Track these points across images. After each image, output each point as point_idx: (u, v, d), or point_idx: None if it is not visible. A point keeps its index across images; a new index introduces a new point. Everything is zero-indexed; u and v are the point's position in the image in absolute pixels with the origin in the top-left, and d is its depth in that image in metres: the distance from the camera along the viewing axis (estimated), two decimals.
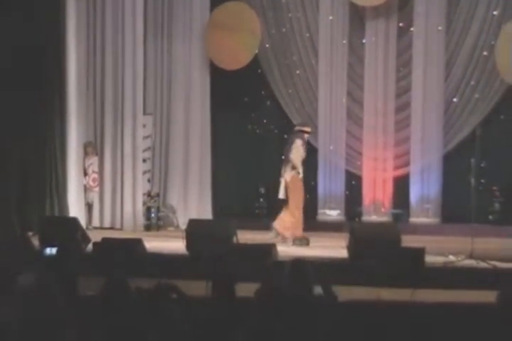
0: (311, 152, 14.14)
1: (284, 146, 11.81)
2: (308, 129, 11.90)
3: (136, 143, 13.85)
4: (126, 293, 4.45)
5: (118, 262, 8.64)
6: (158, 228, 13.76)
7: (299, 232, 11.11)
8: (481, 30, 13.39)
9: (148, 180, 14.23)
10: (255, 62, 14.20)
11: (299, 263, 4.51)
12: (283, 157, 11.73)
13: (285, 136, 14.59)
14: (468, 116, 13.49)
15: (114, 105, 13.92)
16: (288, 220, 11.12)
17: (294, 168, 11.24)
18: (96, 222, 13.80)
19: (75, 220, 10.86)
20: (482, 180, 12.24)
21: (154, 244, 10.35)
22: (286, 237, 11.06)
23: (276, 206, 11.75)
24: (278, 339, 3.99)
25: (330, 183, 14.07)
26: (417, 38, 13.70)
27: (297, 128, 11.83)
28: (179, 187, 14.30)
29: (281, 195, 11.34)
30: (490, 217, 12.94)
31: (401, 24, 13.88)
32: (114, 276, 4.63)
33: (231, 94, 14.43)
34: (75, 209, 13.26)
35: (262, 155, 14.62)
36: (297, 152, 11.29)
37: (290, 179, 11.23)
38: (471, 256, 8.73)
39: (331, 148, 14.13)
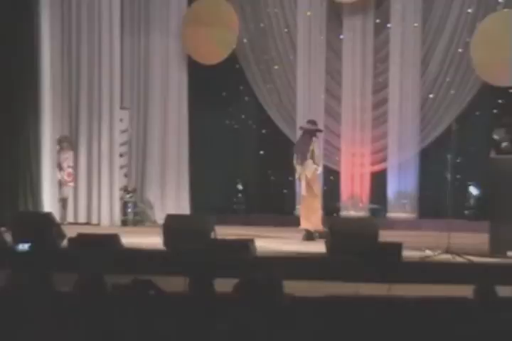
0: (290, 147, 14.18)
1: (298, 145, 11.84)
2: (321, 129, 12.35)
3: (113, 138, 13.81)
4: (102, 289, 4.44)
5: (94, 258, 8.59)
6: (136, 223, 13.72)
7: (320, 226, 11.15)
8: (456, 28, 13.48)
9: (125, 175, 14.18)
10: (233, 57, 14.19)
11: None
12: (295, 155, 11.73)
13: (263, 131, 14.65)
14: (444, 112, 13.57)
15: (91, 100, 13.86)
16: (313, 216, 11.28)
17: (314, 163, 11.46)
18: (71, 218, 13.72)
19: (49, 215, 10.66)
20: (458, 176, 12.31)
21: (131, 239, 10.30)
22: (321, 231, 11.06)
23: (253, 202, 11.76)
24: (257, 334, 4.00)
25: None
26: (393, 35, 13.76)
27: (313, 127, 11.87)
28: (156, 182, 14.26)
29: (303, 192, 11.49)
30: (466, 212, 13.04)
31: (378, 21, 13.94)
32: (89, 272, 4.62)
33: (209, 89, 14.40)
34: (50, 204, 13.19)
35: (240, 150, 14.63)
36: (318, 148, 11.70)
37: (311, 175, 11.44)
38: (447, 251, 8.79)
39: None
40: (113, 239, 9.50)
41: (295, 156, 11.68)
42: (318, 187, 11.68)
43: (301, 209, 11.73)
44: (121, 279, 4.80)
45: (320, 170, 11.72)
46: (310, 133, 11.70)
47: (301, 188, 11.57)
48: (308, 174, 11.42)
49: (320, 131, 12.19)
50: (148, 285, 4.62)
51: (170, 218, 10.19)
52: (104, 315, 4.27)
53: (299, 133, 14.06)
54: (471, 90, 13.44)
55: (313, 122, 12.03)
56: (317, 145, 11.71)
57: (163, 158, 14.34)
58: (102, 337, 4.18)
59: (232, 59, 14.21)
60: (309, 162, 11.43)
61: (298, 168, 11.55)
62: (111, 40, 13.78)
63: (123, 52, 14.14)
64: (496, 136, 9.39)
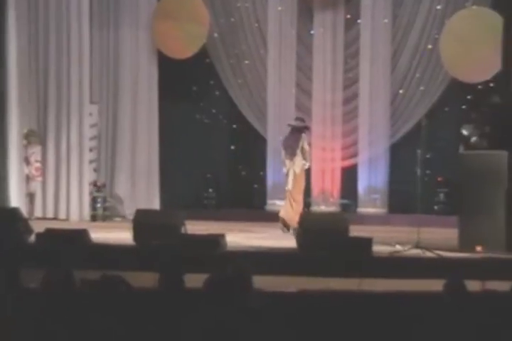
0: (260, 142, 14.19)
1: (287, 141, 11.85)
2: (309, 126, 12.58)
3: (83, 132, 13.71)
4: (71, 285, 4.40)
5: (62, 253, 8.51)
6: (105, 218, 13.64)
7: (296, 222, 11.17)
8: (426, 24, 13.55)
9: (95, 170, 14.09)
10: (204, 51, 14.15)
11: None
12: (284, 151, 11.75)
13: (234, 126, 14.63)
14: (414, 107, 13.64)
15: (59, 94, 13.75)
16: (293, 210, 11.31)
17: (303, 159, 11.63)
18: (39, 213, 13.60)
19: (16, 210, 10.49)
20: (428, 171, 12.37)
21: (100, 234, 10.24)
22: (292, 226, 11.08)
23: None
24: (227, 329, 3.98)
25: (279, 174, 14.07)
26: (364, 30, 13.81)
27: (302, 124, 11.93)
28: (126, 177, 14.19)
29: (289, 186, 11.58)
30: (435, 207, 13.12)
31: (348, 16, 13.98)
32: (58, 268, 4.57)
33: (180, 84, 14.35)
34: (17, 199, 13.09)
35: (211, 145, 14.60)
36: (307, 144, 11.81)
37: (299, 170, 11.60)
38: (417, 246, 8.83)
39: (280, 138, 14.14)
40: (82, 234, 9.42)
41: (284, 152, 11.75)
42: (303, 183, 11.80)
43: (285, 203, 11.74)
44: (90, 275, 4.75)
45: (308, 165, 11.81)
46: (299, 130, 11.77)
47: (288, 183, 11.61)
48: (296, 169, 11.55)
49: (308, 128, 12.30)
50: (118, 281, 4.59)
51: (140, 213, 10.12)
52: (73, 311, 4.23)
53: (269, 127, 14.13)
54: (441, 86, 13.52)
55: (301, 119, 12.16)
56: (306, 142, 11.81)
57: (133, 152, 14.26)
58: (70, 334, 4.14)
59: (203, 53, 14.17)
60: (298, 158, 11.53)
61: (287, 162, 11.63)
62: (80, 34, 13.66)
63: (92, 47, 14.03)
64: (464, 132, 9.44)
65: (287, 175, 11.70)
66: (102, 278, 4.48)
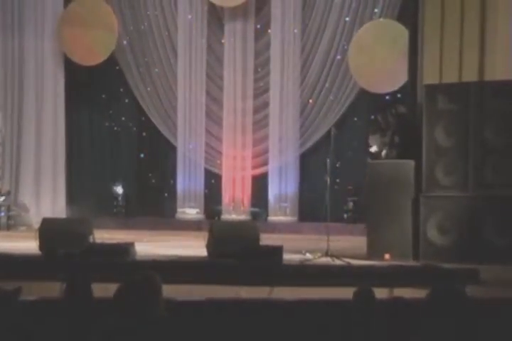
0: (170, 150, 14.12)
1: None
2: None
3: None
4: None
5: None
6: (9, 227, 13.35)
7: None
8: (335, 35, 13.73)
9: None
10: (113, 58, 14.06)
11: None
12: None
13: (143, 134, 14.54)
14: (324, 117, 13.79)
15: None
16: None
17: None
18: None
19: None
20: (337, 180, 12.51)
21: (4, 244, 10.01)
22: None
23: None
24: (135, 339, 3.92)
25: (189, 182, 14.08)
26: (274, 40, 13.93)
27: None
28: (31, 185, 13.97)
29: None
30: (345, 215, 13.26)
31: (258, 26, 14.08)
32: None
33: (88, 91, 14.21)
34: None
35: (120, 153, 14.46)
36: None
37: None
38: (327, 254, 8.90)
39: (191, 146, 14.14)
40: None
41: None
42: None
43: None
44: None
45: None
46: None
47: None
48: None
49: None
50: (15, 292, 4.48)
51: (46, 221, 9.89)
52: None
53: (179, 135, 14.08)
54: (349, 96, 13.70)
55: None
56: None
57: (38, 159, 14.04)
58: None
59: (113, 61, 14.07)
60: None
61: None
62: None
63: None
64: (370, 142, 9.58)
65: None
66: None
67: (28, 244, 9.73)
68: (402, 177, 9.11)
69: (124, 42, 14.22)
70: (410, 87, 9.75)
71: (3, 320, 4.16)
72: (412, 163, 9.08)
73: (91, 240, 9.47)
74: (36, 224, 11.24)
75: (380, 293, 5.11)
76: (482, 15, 9.17)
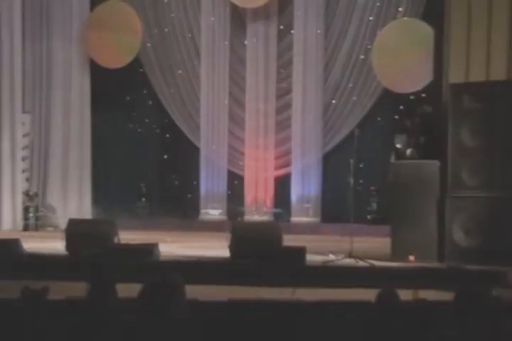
0: (194, 152, 14.16)
1: None
2: None
3: (15, 142, 13.65)
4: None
5: None
6: (37, 228, 13.51)
7: None
8: (358, 34, 13.68)
9: (27, 179, 13.97)
10: (137, 61, 14.14)
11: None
12: None
13: (167, 136, 14.59)
14: (347, 117, 13.75)
15: None
16: None
17: None
18: None
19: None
20: (360, 181, 12.48)
21: (33, 244, 10.09)
22: None
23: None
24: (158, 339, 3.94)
25: (212, 183, 14.12)
26: (296, 41, 13.90)
27: None
28: (59, 187, 14.11)
29: None
30: (368, 216, 13.22)
31: (281, 26, 14.06)
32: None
33: (113, 93, 14.29)
34: None
35: (144, 154, 14.53)
36: None
37: None
38: (350, 255, 8.87)
39: (213, 148, 14.17)
40: (14, 244, 9.27)
41: None
42: None
43: None
44: (20, 285, 4.67)
45: None
46: None
47: None
48: None
49: None
50: (43, 292, 4.52)
51: (72, 222, 10.00)
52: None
53: (202, 137, 14.13)
54: (373, 96, 13.66)
55: None
56: None
57: (65, 162, 14.17)
58: None
59: (136, 63, 14.15)
60: None
61: None
62: (11, 45, 13.63)
63: (25, 57, 14.02)
64: (397, 143, 9.52)
65: None
66: (23, 290, 4.41)
67: (55, 245, 9.83)
68: (427, 177, 9.04)
69: (148, 44, 14.29)
70: (435, 86, 9.68)
71: (32, 319, 4.20)
72: (437, 163, 9.01)
73: (116, 241, 9.54)
74: (63, 224, 11.34)
75: (405, 294, 5.10)
76: (510, 13, 9.05)
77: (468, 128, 8.82)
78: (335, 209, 13.01)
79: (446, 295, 4.33)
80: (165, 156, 14.67)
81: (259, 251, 8.42)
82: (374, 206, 13.24)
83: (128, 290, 4.59)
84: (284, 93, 14.12)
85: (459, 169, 8.86)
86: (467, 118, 8.82)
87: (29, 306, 4.38)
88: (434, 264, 8.68)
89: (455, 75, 9.12)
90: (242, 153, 14.12)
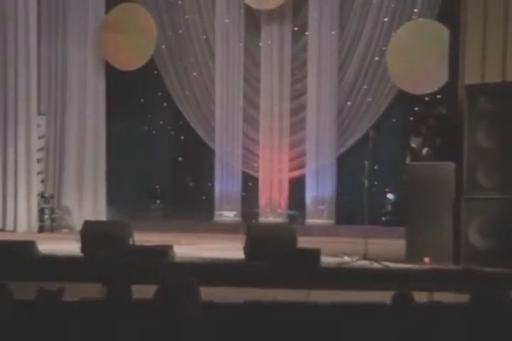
0: (208, 154, 14.18)
1: None
2: None
3: (30, 144, 13.70)
4: (7, 299, 4.34)
5: (10, 264, 8.38)
6: (53, 230, 13.55)
7: None
8: (373, 36, 13.66)
9: (42, 181, 14.03)
10: (152, 63, 14.16)
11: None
12: None
13: (181, 138, 14.62)
14: (361, 119, 13.73)
15: (6, 105, 13.68)
16: None
17: None
18: None
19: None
20: (375, 182, 12.45)
21: (48, 246, 10.13)
22: None
23: None
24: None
25: (227, 185, 14.12)
26: (311, 42, 13.89)
27: None
28: (74, 188, 14.15)
29: None
30: (383, 218, 13.18)
31: (296, 28, 14.06)
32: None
33: (127, 95, 14.33)
34: None
35: (159, 156, 14.55)
36: None
37: None
38: (365, 257, 8.85)
39: (228, 149, 14.18)
40: (30, 246, 9.30)
41: None
42: None
43: None
44: (35, 286, 4.69)
45: None
46: None
47: None
48: None
49: None
50: (58, 293, 4.53)
51: (88, 224, 10.02)
52: (9, 325, 4.17)
53: (217, 138, 14.13)
54: (387, 98, 13.63)
55: None
56: None
57: (81, 164, 14.21)
58: None
59: (151, 65, 14.18)
60: None
61: None
62: (27, 47, 13.67)
63: (40, 59, 14.07)
64: (413, 144, 9.48)
65: None
66: (39, 291, 4.43)
67: (70, 246, 9.85)
68: (442, 179, 9.01)
69: (163, 46, 14.32)
70: (451, 87, 9.64)
71: (47, 320, 4.22)
72: (452, 164, 8.98)
73: (131, 242, 9.56)
74: (78, 226, 11.37)
75: (420, 297, 5.09)
76: None
77: (483, 130, 8.77)
78: (349, 210, 13.01)
79: (462, 298, 4.30)
80: (179, 158, 14.70)
81: (273, 253, 8.41)
82: (389, 208, 13.21)
83: (143, 291, 4.60)
84: (298, 95, 14.11)
85: (474, 170, 8.80)
86: (483, 119, 8.77)
87: (44, 307, 4.40)
88: (450, 266, 8.63)
89: (470, 76, 9.07)
90: (257, 155, 14.13)
